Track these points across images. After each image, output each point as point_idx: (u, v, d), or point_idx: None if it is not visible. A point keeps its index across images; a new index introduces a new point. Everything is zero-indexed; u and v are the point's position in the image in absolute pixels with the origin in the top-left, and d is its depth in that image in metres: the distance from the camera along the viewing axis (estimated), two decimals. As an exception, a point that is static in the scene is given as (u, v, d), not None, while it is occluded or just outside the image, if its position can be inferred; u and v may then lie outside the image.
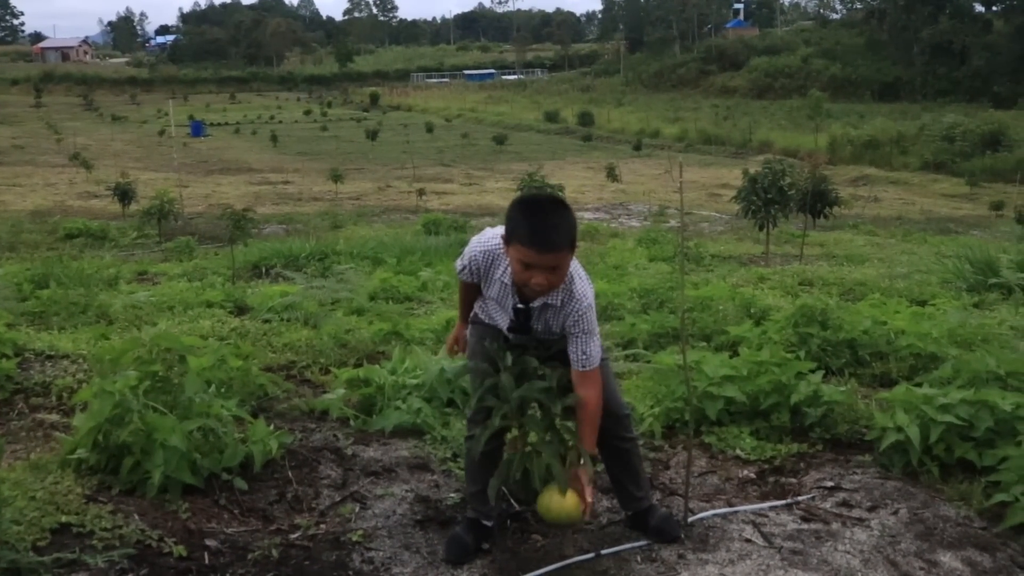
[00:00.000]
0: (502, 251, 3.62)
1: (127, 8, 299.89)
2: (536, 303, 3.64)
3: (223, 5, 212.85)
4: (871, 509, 4.20)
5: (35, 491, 4.04)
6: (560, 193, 21.56)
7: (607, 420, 3.79)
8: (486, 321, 3.91)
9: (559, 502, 3.52)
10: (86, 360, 6.43)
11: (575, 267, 3.64)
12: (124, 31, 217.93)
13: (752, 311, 7.83)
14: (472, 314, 4.02)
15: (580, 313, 3.62)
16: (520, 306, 3.68)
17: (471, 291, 3.96)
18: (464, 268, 3.83)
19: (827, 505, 4.27)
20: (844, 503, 4.28)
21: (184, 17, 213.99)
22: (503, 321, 3.80)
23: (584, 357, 3.63)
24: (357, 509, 4.24)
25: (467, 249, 3.80)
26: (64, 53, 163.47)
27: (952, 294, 9.60)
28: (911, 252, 16.89)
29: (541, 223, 3.42)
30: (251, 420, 4.73)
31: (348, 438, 5.06)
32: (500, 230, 3.66)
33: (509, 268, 3.60)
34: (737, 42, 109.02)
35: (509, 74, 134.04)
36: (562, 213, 3.47)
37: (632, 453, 4.03)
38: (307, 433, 5.12)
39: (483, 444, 3.65)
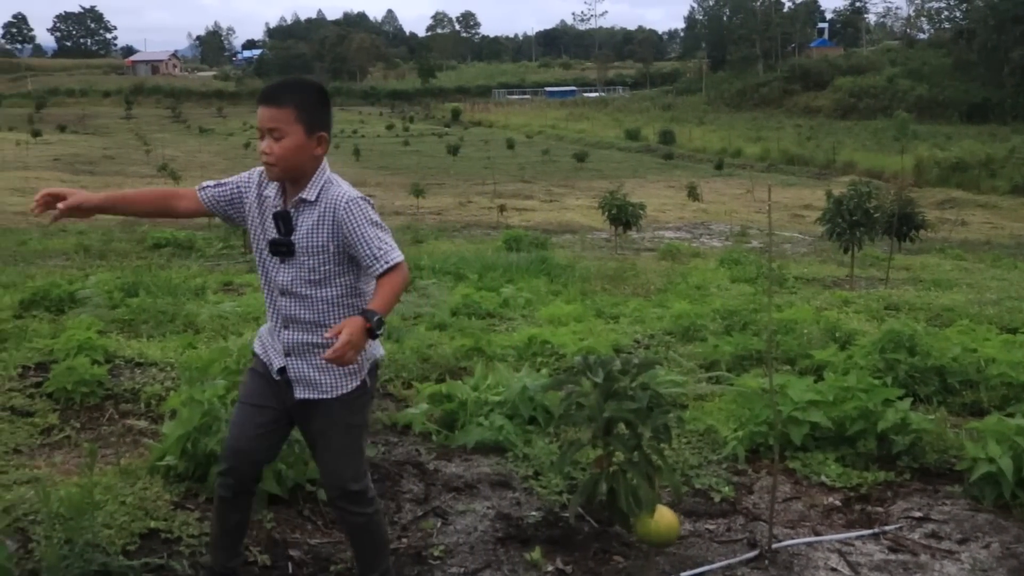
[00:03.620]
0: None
1: (215, 23, 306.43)
2: (292, 204, 3.23)
3: (309, 20, 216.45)
4: (961, 542, 4.11)
5: (125, 496, 4.13)
6: (641, 211, 21.53)
7: (331, 492, 3.45)
8: (257, 350, 3.46)
9: (655, 524, 3.51)
10: (174, 368, 6.55)
11: (338, 178, 3.30)
12: (212, 45, 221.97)
13: (837, 335, 7.71)
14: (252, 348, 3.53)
15: (347, 201, 3.19)
16: (276, 208, 3.26)
17: (171, 200, 3.45)
18: (225, 184, 3.39)
19: (915, 536, 4.19)
20: (933, 535, 4.19)
21: (271, 32, 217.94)
22: (263, 248, 3.32)
23: (382, 252, 3.16)
24: (439, 524, 4.26)
25: (230, 180, 3.41)
26: (154, 66, 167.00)
27: (1045, 322, 9.35)
28: (1001, 278, 16.52)
29: (272, 82, 3.27)
30: (335, 432, 4.76)
31: (430, 453, 5.09)
32: (257, 168, 3.39)
33: (275, 183, 3.30)
34: (821, 61, 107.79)
35: (590, 91, 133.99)
36: (299, 79, 3.28)
37: (364, 529, 3.47)
38: (389, 447, 5.16)
39: (568, 460, 3.65)
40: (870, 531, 4.23)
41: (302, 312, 3.28)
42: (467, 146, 66.21)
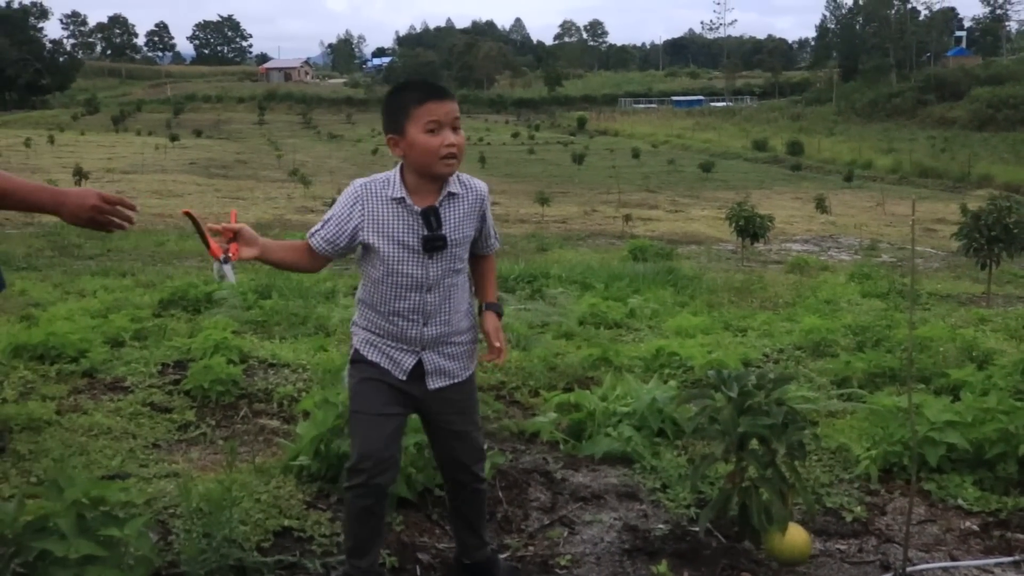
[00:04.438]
0: (382, 178, 3.32)
1: (347, 31, 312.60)
2: (439, 199, 3.31)
3: (437, 28, 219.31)
4: (1108, 572, 3.95)
5: (260, 494, 4.24)
6: (770, 223, 21.24)
7: (472, 466, 3.60)
8: (372, 359, 3.44)
9: (788, 542, 3.47)
10: (306, 370, 6.70)
11: None
12: (343, 53, 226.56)
13: (974, 354, 7.48)
14: (353, 350, 3.52)
15: (487, 193, 3.50)
16: (418, 208, 3.28)
17: (307, 256, 3.39)
18: (330, 219, 3.31)
19: (1059, 565, 4.04)
20: (1078, 564, 4.04)
21: (400, 40, 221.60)
22: (403, 257, 3.31)
23: (496, 235, 3.62)
24: (566, 534, 4.25)
25: (334, 207, 3.35)
26: (287, 73, 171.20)
27: None
28: None
29: (424, 80, 3.37)
30: (464, 438, 4.81)
31: (557, 462, 5.09)
32: (358, 182, 3.35)
33: (397, 183, 3.29)
34: (958, 71, 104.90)
35: (717, 101, 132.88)
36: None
37: (485, 494, 3.74)
38: (517, 455, 5.18)
39: (700, 474, 3.62)
40: (1010, 559, 4.09)
41: (443, 303, 3.39)
42: (592, 155, 66.22)
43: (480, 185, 3.45)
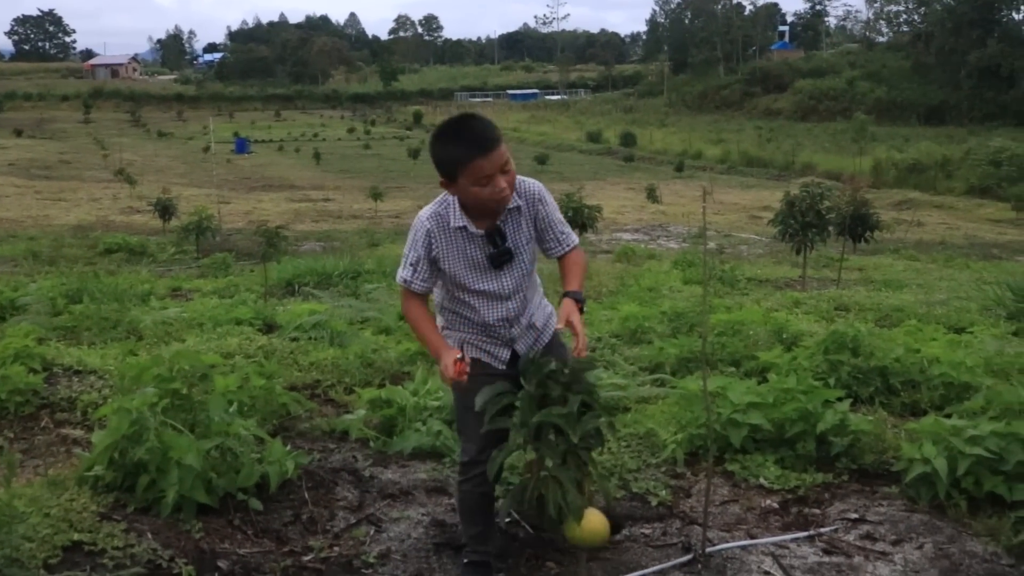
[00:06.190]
0: (443, 207, 3.60)
1: (176, 26, 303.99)
2: (501, 217, 3.57)
3: (271, 23, 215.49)
4: (895, 543, 4.10)
5: (50, 508, 4.03)
6: (597, 213, 21.53)
7: None
8: (472, 356, 3.67)
9: (585, 527, 3.48)
10: (113, 376, 6.45)
11: None
12: (173, 49, 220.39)
13: (784, 336, 7.70)
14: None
15: (542, 195, 3.67)
16: (479, 232, 3.56)
17: (425, 307, 3.72)
18: (417, 262, 3.59)
19: (850, 537, 4.17)
20: (868, 536, 4.18)
21: (232, 35, 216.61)
22: (477, 278, 3.60)
23: (567, 234, 3.77)
24: (372, 532, 4.21)
25: (409, 247, 3.60)
26: (114, 70, 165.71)
27: (991, 321, 9.38)
28: (952, 278, 16.65)
29: (469, 131, 3.45)
30: (269, 440, 4.70)
31: (367, 459, 5.04)
32: (424, 211, 3.65)
33: (457, 211, 3.55)
34: (782, 64, 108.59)
35: (552, 94, 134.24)
36: (476, 116, 3.54)
37: None
38: (326, 454, 5.10)
39: (496, 465, 3.60)
40: (805, 533, 4.22)
41: (523, 305, 3.72)
42: (428, 149, 66.04)
43: (533, 188, 3.65)
